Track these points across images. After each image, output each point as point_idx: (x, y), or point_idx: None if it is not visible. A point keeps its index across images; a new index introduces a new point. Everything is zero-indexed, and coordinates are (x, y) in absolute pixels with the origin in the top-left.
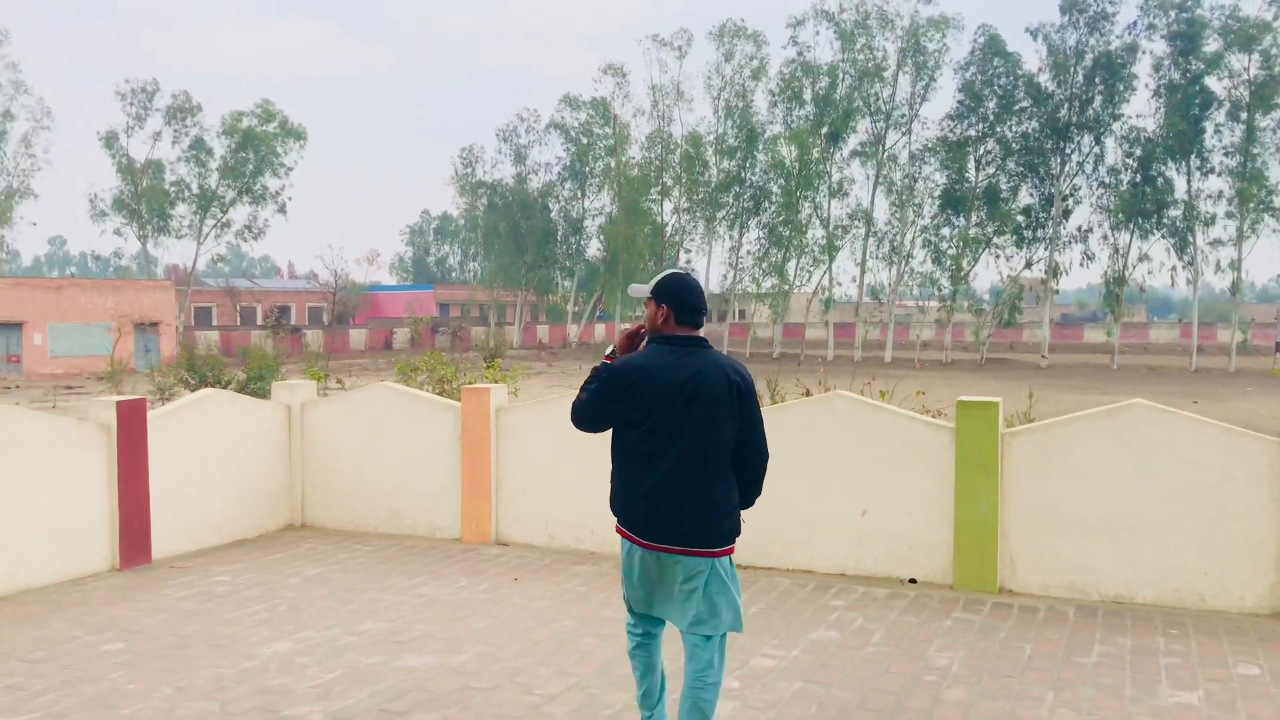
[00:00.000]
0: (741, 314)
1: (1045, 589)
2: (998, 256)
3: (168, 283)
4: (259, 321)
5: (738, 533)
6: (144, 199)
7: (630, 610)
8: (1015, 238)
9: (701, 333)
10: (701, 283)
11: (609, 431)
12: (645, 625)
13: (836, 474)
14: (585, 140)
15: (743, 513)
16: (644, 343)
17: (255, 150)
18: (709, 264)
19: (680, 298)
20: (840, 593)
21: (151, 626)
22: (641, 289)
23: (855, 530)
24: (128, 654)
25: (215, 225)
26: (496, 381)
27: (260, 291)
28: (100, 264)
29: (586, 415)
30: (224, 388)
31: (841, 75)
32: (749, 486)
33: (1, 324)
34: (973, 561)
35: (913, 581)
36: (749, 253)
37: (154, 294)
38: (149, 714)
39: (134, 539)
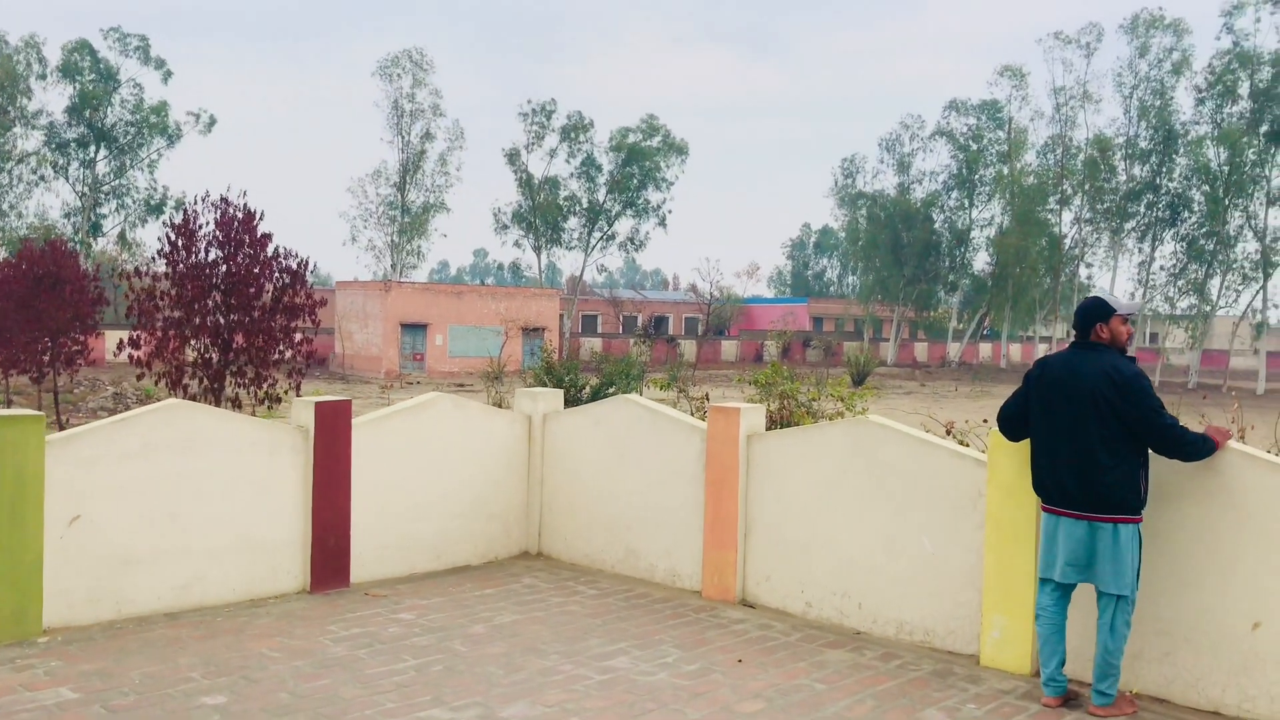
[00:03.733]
0: (1153, 337)
1: None
2: None
3: (554, 291)
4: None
5: (1129, 508)
6: (539, 212)
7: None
8: None
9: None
10: (1103, 297)
11: (885, 481)
12: (1047, 589)
13: (1227, 564)
14: (975, 146)
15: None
16: None
17: (639, 165)
18: (1114, 280)
19: (1075, 318)
20: None
21: (275, 676)
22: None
23: (1240, 648)
24: (219, 714)
25: (601, 237)
26: (843, 400)
27: (641, 302)
28: (514, 273)
29: (1007, 400)
30: (579, 392)
31: None
32: (1173, 456)
33: (410, 325)
34: None
35: None
36: (1162, 268)
37: (541, 301)
38: None
39: (328, 559)
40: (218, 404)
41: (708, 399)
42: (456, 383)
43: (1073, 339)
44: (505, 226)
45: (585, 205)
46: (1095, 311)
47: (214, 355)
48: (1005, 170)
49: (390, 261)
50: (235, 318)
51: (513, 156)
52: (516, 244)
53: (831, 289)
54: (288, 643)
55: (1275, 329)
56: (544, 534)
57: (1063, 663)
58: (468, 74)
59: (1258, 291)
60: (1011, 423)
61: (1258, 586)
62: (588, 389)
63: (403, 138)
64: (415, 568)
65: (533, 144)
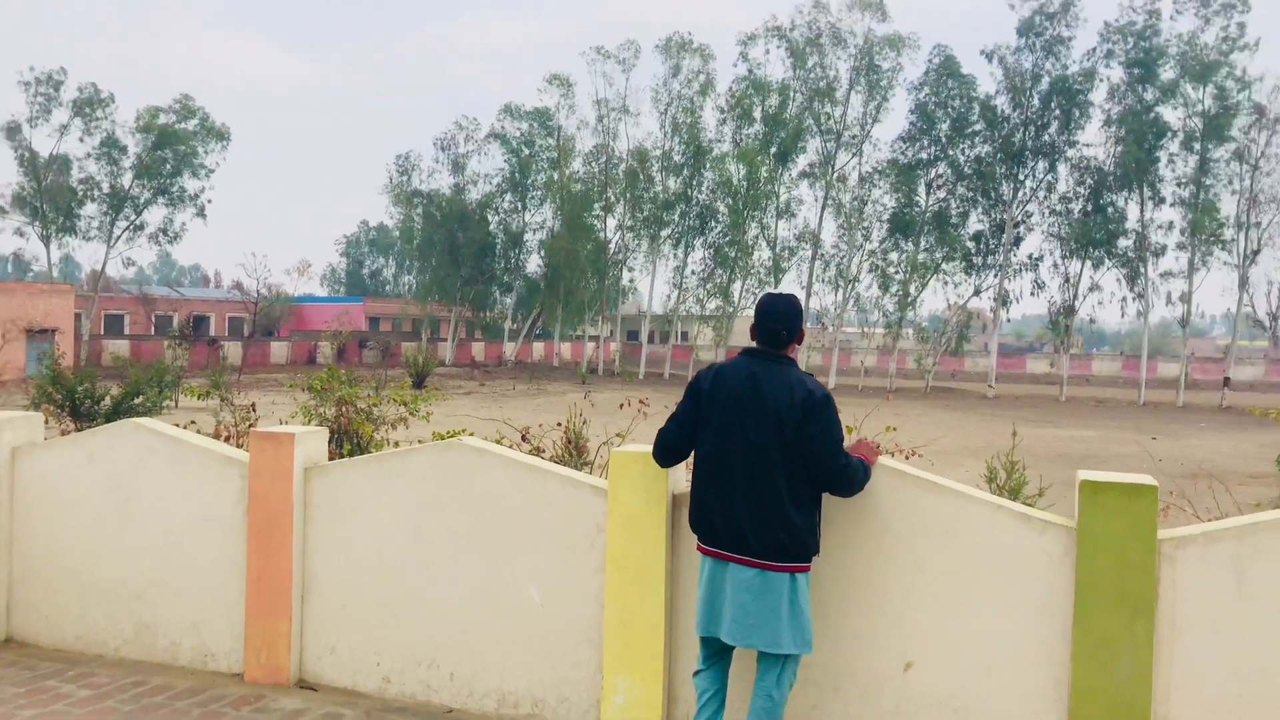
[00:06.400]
0: (684, 335)
1: None
2: (945, 283)
3: (67, 286)
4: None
5: (798, 554)
6: (47, 196)
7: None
8: (964, 264)
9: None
10: (792, 304)
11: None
12: (709, 651)
13: (876, 597)
14: (527, 151)
15: None
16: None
17: (173, 149)
18: (653, 284)
19: (760, 319)
20: None
21: None
22: None
23: (892, 692)
24: None
25: (128, 227)
26: (406, 404)
27: (177, 300)
28: (18, 266)
29: (667, 424)
30: (95, 405)
31: (792, 93)
32: (835, 494)
33: None
34: None
35: None
36: (693, 273)
37: (50, 299)
38: None
39: None
40: None
41: (254, 409)
42: None
43: (753, 345)
44: (4, 211)
45: (106, 190)
46: (798, 314)
47: None
48: (555, 176)
49: None
50: None
51: (12, 131)
52: (19, 232)
53: (388, 288)
54: None
55: None
56: (16, 613)
57: None
58: None
59: None
60: (677, 453)
61: (909, 621)
62: (108, 400)
63: None
64: None
65: (38, 118)
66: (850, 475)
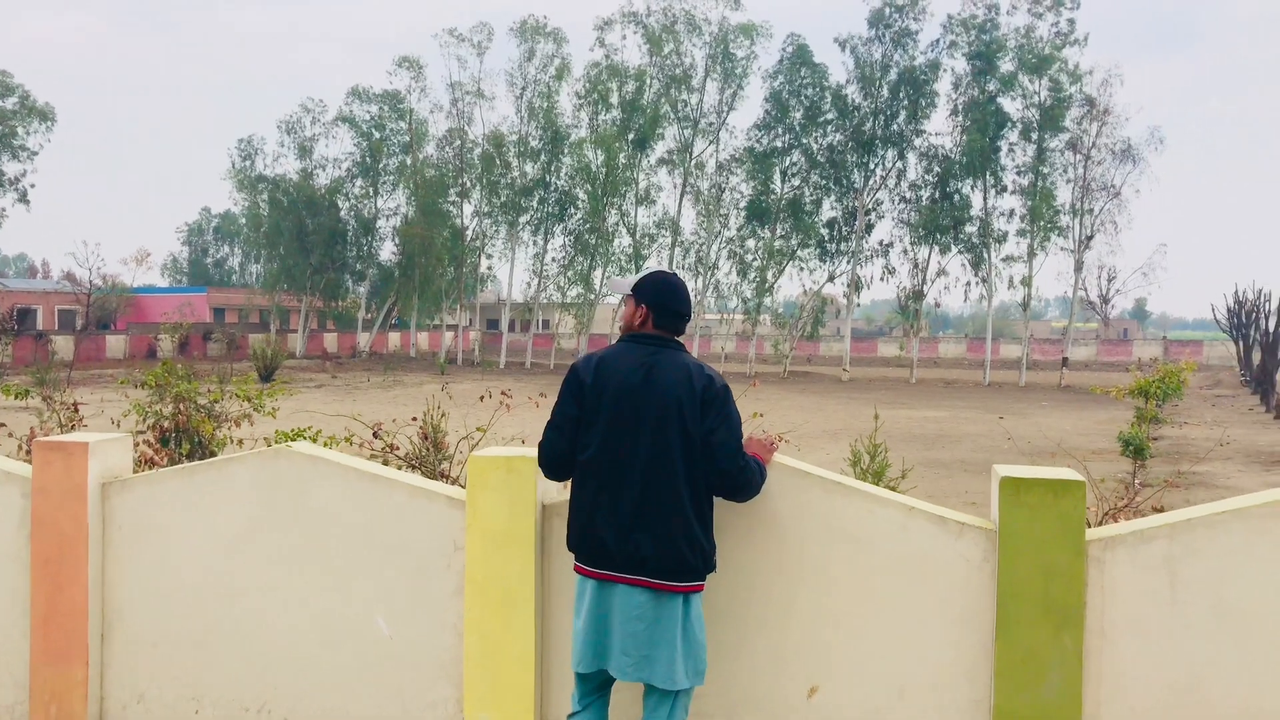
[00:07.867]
0: (545, 324)
1: None
2: (801, 269)
3: None
4: None
5: (699, 571)
6: None
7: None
8: (819, 251)
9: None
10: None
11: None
12: (587, 689)
13: (780, 614)
14: (377, 135)
15: None
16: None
17: None
18: (512, 271)
19: (663, 300)
20: None
21: None
22: (623, 284)
23: None
24: None
25: None
26: (251, 400)
27: (1, 291)
28: None
29: (548, 434)
30: None
31: (649, 80)
32: (731, 498)
33: None
34: None
35: None
36: (554, 260)
37: None
38: None
39: None
40: None
41: (77, 409)
42: None
43: (640, 328)
44: None
45: None
46: (686, 294)
47: None
48: (408, 160)
49: None
50: None
51: None
52: None
53: (234, 278)
54: None
55: None
56: None
57: None
58: None
59: None
60: (568, 464)
61: (815, 640)
62: None
63: None
64: None
65: None
66: (748, 478)
